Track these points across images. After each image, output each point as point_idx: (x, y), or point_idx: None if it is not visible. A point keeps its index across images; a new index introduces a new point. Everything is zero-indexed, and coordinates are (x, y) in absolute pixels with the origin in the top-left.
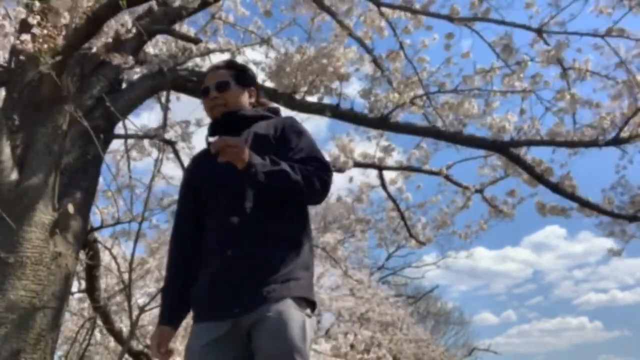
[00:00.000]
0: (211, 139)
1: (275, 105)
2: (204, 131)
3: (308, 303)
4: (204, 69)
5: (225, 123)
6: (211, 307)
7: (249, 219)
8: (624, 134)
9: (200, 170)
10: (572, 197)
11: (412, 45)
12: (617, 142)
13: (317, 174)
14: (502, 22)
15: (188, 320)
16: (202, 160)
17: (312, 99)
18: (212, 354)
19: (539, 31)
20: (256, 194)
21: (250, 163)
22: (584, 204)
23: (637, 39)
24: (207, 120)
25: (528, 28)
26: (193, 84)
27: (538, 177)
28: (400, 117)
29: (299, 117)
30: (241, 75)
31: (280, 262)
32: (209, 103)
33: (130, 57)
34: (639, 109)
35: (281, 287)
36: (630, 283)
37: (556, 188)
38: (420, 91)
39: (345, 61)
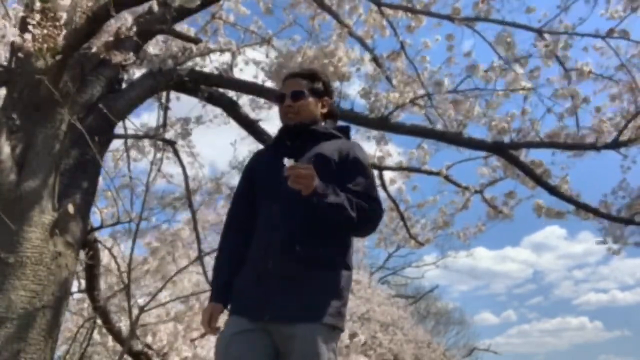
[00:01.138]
0: (286, 161)
1: (345, 124)
2: (203, 130)
3: (336, 330)
4: (205, 69)
5: (296, 132)
6: (245, 306)
7: (295, 236)
8: (624, 137)
9: (260, 169)
10: (570, 199)
11: (414, 46)
12: (616, 145)
13: (370, 214)
14: (502, 22)
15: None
16: (263, 160)
17: None
18: (240, 342)
19: (540, 31)
20: (307, 205)
21: (316, 192)
22: (582, 206)
23: (638, 41)
24: (207, 120)
25: (529, 28)
26: (193, 84)
27: (537, 179)
28: (401, 117)
29: None
30: (317, 85)
31: (317, 286)
32: (283, 110)
33: (131, 54)
34: (638, 112)
35: (315, 311)
36: (630, 283)
37: (554, 190)
38: (421, 91)
39: (347, 61)
